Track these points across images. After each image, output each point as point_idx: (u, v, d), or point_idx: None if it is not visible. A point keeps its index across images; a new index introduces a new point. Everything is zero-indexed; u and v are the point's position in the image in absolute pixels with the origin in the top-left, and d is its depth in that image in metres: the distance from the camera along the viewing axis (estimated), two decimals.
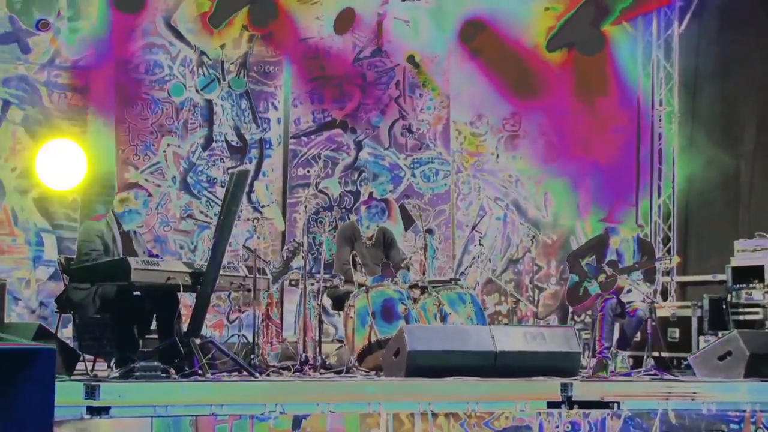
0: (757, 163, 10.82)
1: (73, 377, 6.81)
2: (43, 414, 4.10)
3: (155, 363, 6.80)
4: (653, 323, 9.14)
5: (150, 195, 8.08)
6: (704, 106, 11.31)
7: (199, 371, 7.04)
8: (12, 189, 10.15)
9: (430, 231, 9.17)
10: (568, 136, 11.90)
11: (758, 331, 9.00)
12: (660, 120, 12.06)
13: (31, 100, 10.26)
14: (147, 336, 7.60)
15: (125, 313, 7.32)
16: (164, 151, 10.69)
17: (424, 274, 8.75)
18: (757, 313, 9.34)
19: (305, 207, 8.83)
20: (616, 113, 12.04)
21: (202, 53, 10.89)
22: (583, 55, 11.82)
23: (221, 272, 7.57)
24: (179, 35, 10.83)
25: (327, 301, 8.97)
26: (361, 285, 8.45)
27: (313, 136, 11.18)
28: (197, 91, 10.90)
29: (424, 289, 8.41)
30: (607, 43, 11.80)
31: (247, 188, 10.60)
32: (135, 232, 7.96)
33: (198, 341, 7.25)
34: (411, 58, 11.37)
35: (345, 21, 11.15)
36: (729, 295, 9.63)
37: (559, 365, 7.71)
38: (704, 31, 11.55)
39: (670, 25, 11.99)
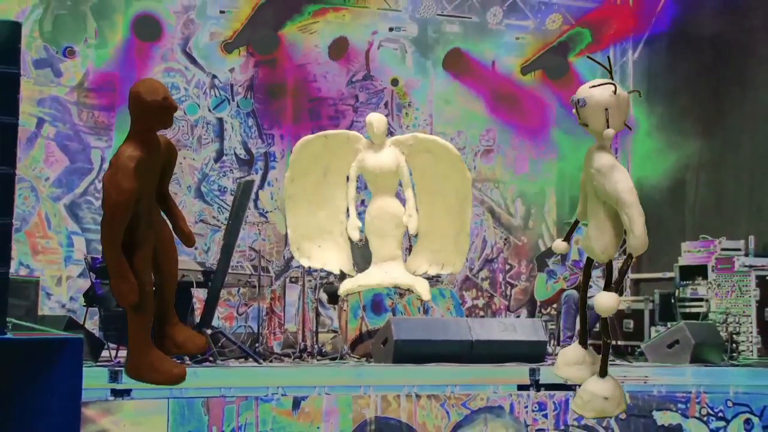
0: (701, 174, 10.84)
1: (98, 363, 6.80)
2: (72, 396, 4.09)
3: None
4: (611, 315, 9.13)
5: None
6: (655, 124, 11.32)
7: (210, 358, 7.04)
8: (46, 197, 10.14)
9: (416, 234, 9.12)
10: (536, 149, 11.91)
11: (702, 322, 9.01)
12: (618, 137, 12.06)
13: (62, 118, 10.25)
14: None
15: None
16: (180, 163, 10.66)
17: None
18: (701, 306, 9.34)
19: None
20: (578, 129, 12.02)
21: (214, 77, 10.88)
22: (550, 79, 11.84)
23: (230, 270, 7.56)
24: (194, 61, 10.82)
25: (323, 296, 8.97)
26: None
27: None
28: (209, 110, 10.89)
29: (405, 291, 8.40)
30: (571, 68, 11.81)
31: (253, 196, 10.59)
32: None
33: (209, 331, 7.24)
34: (395, 81, 11.37)
35: (339, 49, 11.15)
36: (677, 291, 9.64)
37: (528, 352, 7.73)
38: (655, 58, 11.56)
39: (625, 53, 12.01)
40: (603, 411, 5.08)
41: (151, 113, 4.51)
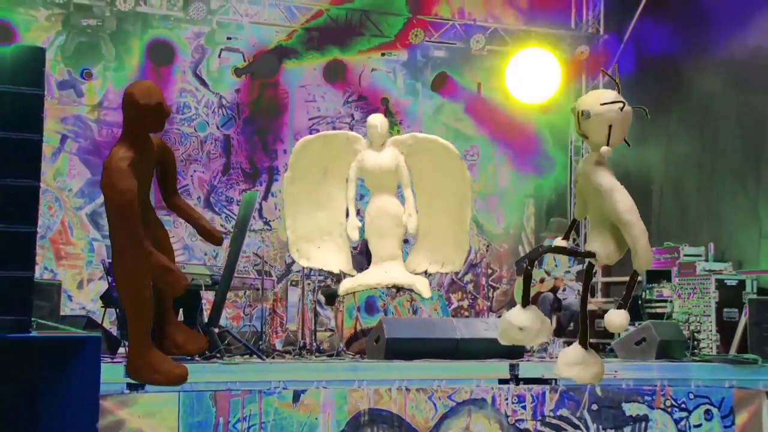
0: (665, 187, 10.87)
1: (115, 360, 6.78)
2: (91, 389, 4.08)
3: None
4: None
5: (170, 213, 8.01)
6: (622, 144, 11.31)
7: (217, 354, 7.02)
8: (69, 206, 10.13)
9: (406, 241, 9.11)
10: (516, 164, 11.93)
11: (666, 321, 9.02)
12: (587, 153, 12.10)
13: (84, 134, 10.27)
14: None
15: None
16: (191, 176, 10.67)
17: None
18: (665, 306, 9.35)
19: None
20: (556, 146, 12.08)
21: (222, 97, 10.90)
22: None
23: (236, 274, 7.54)
24: (203, 82, 10.83)
25: (321, 298, 8.93)
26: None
27: None
28: (218, 127, 10.90)
29: (400, 288, 8.31)
30: None
31: (257, 206, 10.59)
32: None
33: (216, 330, 7.22)
34: (384, 101, 11.35)
35: (335, 72, 11.15)
36: (643, 293, 9.65)
37: (508, 350, 7.70)
38: (624, 81, 11.57)
39: (596, 77, 12.03)
40: (518, 341, 4.84)
41: (144, 117, 4.20)
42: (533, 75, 10.71)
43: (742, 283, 8.86)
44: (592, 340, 9.30)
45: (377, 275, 8.03)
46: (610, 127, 4.48)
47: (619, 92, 4.58)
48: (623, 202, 4.49)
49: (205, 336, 4.89)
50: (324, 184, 8.15)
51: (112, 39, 10.14)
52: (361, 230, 8.19)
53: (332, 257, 8.16)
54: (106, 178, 4.10)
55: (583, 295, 5.08)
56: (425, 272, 8.30)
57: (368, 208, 8.17)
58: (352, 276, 8.16)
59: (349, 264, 8.22)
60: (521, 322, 4.70)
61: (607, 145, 4.53)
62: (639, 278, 4.70)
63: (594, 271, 5.10)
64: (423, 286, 7.93)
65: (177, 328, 4.49)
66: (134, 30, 10.34)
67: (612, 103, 4.50)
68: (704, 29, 10.06)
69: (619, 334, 9.27)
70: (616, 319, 4.58)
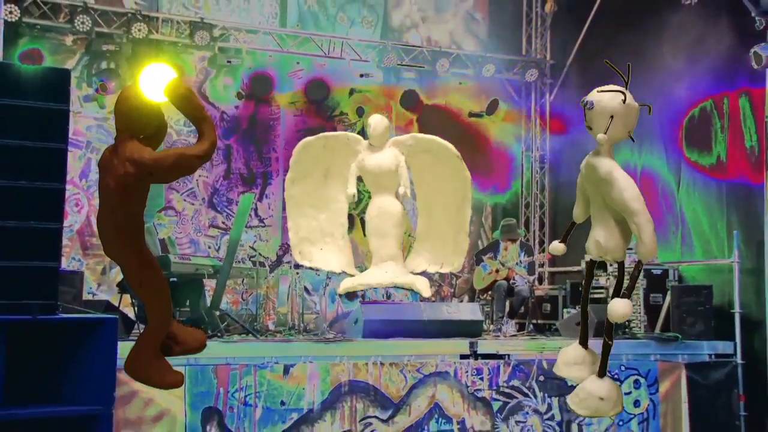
0: None
1: (130, 338, 6.75)
2: (109, 364, 4.07)
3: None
4: (532, 300, 9.20)
5: (177, 213, 8.01)
6: (569, 152, 11.39)
7: (218, 334, 7.01)
8: (93, 204, 10.06)
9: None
10: (476, 173, 11.94)
11: (603, 305, 9.05)
12: (538, 160, 12.17)
13: (106, 140, 10.09)
14: (181, 309, 7.54)
15: None
16: (196, 180, 10.62)
17: None
18: (602, 293, 9.42)
19: None
20: (509, 156, 12.13)
21: (223, 112, 10.85)
22: (487, 115, 11.89)
23: (234, 264, 7.52)
24: (206, 99, 10.77)
25: (309, 286, 8.93)
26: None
27: None
28: (219, 138, 10.84)
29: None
30: (500, 104, 11.84)
31: (253, 206, 10.56)
32: (169, 237, 7.91)
33: (217, 313, 7.22)
34: (360, 110, 11.28)
35: (320, 90, 11.13)
36: (583, 280, 9.70)
37: (468, 329, 7.76)
38: (568, 99, 11.66)
39: (543, 96, 12.13)
40: (598, 410, 4.24)
41: (140, 118, 3.80)
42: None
43: (665, 273, 8.94)
44: (539, 321, 9.47)
45: (377, 275, 7.60)
46: (612, 118, 3.96)
47: (626, 88, 4.05)
48: (630, 190, 3.97)
49: (204, 332, 4.64)
50: (325, 186, 7.65)
51: (128, 62, 10.08)
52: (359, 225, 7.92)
53: (334, 258, 7.71)
54: (137, 163, 3.66)
55: (584, 294, 4.58)
56: (425, 273, 7.92)
57: (368, 208, 7.66)
58: (353, 276, 7.74)
59: (351, 264, 7.75)
60: (602, 392, 4.18)
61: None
62: (642, 267, 4.19)
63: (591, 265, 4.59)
64: (423, 286, 7.54)
65: (178, 327, 4.08)
66: (147, 54, 10.27)
67: (612, 91, 4.00)
68: (638, 53, 10.13)
69: (562, 316, 9.33)
70: (620, 308, 3.98)
